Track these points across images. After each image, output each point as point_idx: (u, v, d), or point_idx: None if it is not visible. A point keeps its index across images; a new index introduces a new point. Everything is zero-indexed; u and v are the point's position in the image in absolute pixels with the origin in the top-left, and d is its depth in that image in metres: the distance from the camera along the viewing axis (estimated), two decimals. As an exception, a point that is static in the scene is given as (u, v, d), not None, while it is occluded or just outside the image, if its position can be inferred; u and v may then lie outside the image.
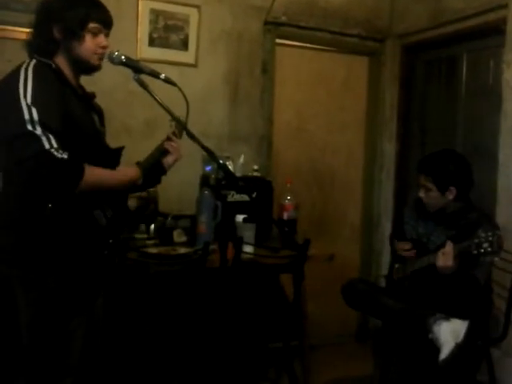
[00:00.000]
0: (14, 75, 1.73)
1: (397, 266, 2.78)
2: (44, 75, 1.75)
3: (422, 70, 3.80)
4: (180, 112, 2.00)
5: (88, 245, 1.81)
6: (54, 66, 1.82)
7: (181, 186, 3.20)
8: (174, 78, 1.99)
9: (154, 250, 2.59)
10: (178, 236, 2.86)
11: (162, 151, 2.09)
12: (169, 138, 2.09)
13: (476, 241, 2.26)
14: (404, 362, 2.76)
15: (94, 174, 1.75)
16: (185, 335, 2.77)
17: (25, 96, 1.66)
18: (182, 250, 2.64)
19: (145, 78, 1.95)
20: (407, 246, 2.71)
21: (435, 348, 2.34)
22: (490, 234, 2.25)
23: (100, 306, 2.05)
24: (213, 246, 2.66)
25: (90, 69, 1.91)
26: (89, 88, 2.01)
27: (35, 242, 1.73)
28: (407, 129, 3.87)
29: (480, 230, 2.34)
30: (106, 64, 1.96)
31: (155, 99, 1.90)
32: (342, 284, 2.84)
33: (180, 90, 1.97)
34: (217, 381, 2.87)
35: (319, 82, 3.86)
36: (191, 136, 1.91)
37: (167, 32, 3.24)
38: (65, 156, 1.64)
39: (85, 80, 1.98)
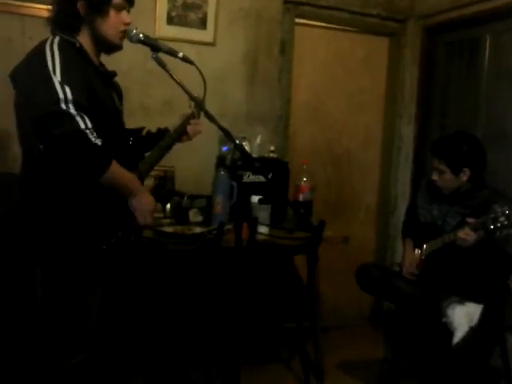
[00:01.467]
0: (39, 51, 1.72)
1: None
2: (69, 53, 1.74)
3: (443, 51, 3.73)
4: (197, 91, 2.00)
5: (103, 224, 1.82)
6: (77, 44, 1.80)
7: (197, 166, 3.21)
8: (192, 57, 1.98)
9: (169, 229, 2.62)
10: (194, 216, 2.87)
11: (180, 133, 2.09)
12: (188, 119, 2.09)
13: (492, 215, 2.28)
14: (417, 346, 2.77)
15: (117, 171, 1.74)
16: (199, 313, 2.80)
17: (54, 72, 1.65)
18: (198, 230, 2.66)
19: (163, 56, 1.95)
20: (414, 270, 2.71)
21: (449, 332, 2.34)
22: (506, 208, 2.27)
23: (114, 285, 2.07)
24: (228, 226, 2.68)
25: (112, 47, 1.91)
26: (107, 67, 2.01)
27: (53, 220, 1.75)
28: (427, 111, 3.82)
29: (496, 206, 2.35)
30: (124, 42, 1.95)
31: (173, 78, 1.89)
32: (356, 267, 2.84)
33: (198, 68, 1.97)
34: (230, 360, 2.90)
35: (338, 63, 3.81)
36: (208, 116, 1.90)
37: (186, 10, 3.22)
38: (98, 142, 1.65)
39: (104, 58, 1.98)
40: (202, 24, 3.27)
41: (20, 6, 2.85)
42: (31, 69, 1.73)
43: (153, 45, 1.94)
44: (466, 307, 2.34)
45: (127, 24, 1.89)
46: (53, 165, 1.68)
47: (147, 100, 3.19)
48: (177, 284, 2.92)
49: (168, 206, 2.88)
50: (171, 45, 2.00)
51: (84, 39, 1.84)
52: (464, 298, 2.37)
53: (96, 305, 1.92)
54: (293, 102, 3.60)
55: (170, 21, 3.19)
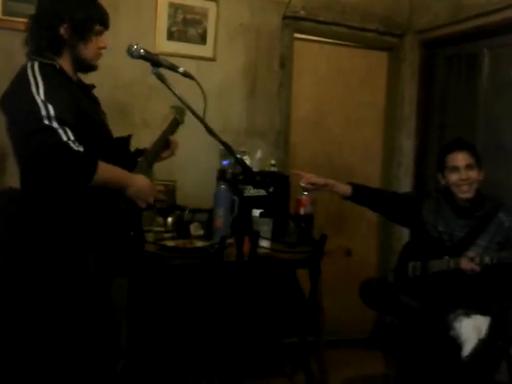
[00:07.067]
0: (22, 77, 1.77)
1: (412, 264, 2.75)
2: (50, 75, 1.79)
3: (441, 66, 3.76)
4: (198, 106, 2.00)
5: (114, 227, 1.85)
6: (57, 66, 1.85)
7: (198, 180, 3.21)
8: (192, 72, 1.99)
9: (171, 243, 2.61)
10: (195, 229, 2.87)
11: (163, 144, 2.12)
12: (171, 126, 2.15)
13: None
14: (422, 361, 2.74)
15: (105, 169, 1.76)
16: (200, 329, 2.78)
17: (38, 93, 1.69)
18: (199, 244, 2.65)
19: (163, 71, 1.96)
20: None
21: (456, 345, 2.33)
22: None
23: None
24: (229, 240, 2.66)
25: (89, 68, 1.97)
26: (109, 82, 2.03)
27: (62, 229, 1.77)
28: (426, 125, 3.83)
29: (501, 214, 2.46)
30: (125, 58, 1.98)
31: (173, 93, 1.90)
32: (358, 280, 2.82)
33: (198, 84, 1.98)
34: (233, 375, 2.88)
35: (337, 77, 3.83)
36: (209, 130, 1.91)
37: (186, 26, 3.24)
38: (81, 149, 1.67)
39: (104, 74, 2.00)
40: (202, 39, 3.30)
41: (21, 23, 2.87)
42: (16, 94, 1.78)
43: (153, 60, 1.96)
44: (473, 320, 2.32)
45: (104, 48, 1.97)
46: (45, 177, 1.69)
47: (148, 115, 3.20)
48: (178, 298, 2.90)
49: (169, 219, 2.87)
50: (171, 60, 2.02)
51: (64, 61, 1.89)
52: (469, 310, 2.36)
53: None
54: (293, 116, 3.62)
55: (171, 36, 3.22)
